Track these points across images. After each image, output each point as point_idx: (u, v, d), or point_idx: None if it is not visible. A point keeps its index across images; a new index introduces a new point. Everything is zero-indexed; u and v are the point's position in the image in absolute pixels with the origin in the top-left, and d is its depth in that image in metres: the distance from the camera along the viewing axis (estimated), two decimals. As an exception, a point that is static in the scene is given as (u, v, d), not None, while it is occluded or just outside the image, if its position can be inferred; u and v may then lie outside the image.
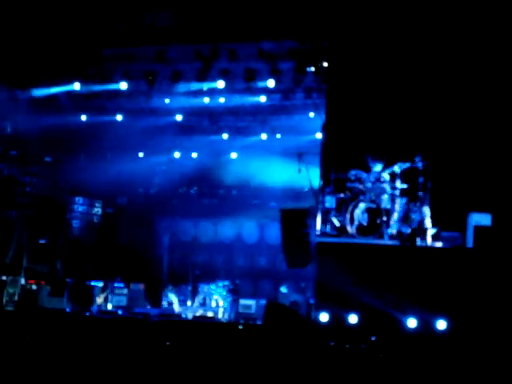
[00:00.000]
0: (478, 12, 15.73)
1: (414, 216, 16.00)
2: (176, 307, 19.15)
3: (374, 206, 16.31)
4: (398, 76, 16.34)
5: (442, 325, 14.44)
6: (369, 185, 16.37)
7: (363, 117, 16.48)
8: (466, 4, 15.83)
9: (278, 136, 21.25)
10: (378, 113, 16.41)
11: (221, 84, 18.70)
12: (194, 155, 22.27)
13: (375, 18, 16.41)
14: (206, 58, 18.49)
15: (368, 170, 16.40)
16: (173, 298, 19.25)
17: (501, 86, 15.77)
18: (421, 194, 16.08)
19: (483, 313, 14.38)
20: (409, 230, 15.91)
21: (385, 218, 16.12)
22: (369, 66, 16.49)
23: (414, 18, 16.15)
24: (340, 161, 16.57)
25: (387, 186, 16.32)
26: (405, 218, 16.16)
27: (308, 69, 18.03)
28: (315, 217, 16.86)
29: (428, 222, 15.92)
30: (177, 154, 22.40)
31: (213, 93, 19.46)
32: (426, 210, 15.97)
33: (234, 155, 22.08)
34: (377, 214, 16.23)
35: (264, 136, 21.33)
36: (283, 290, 19.04)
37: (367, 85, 16.50)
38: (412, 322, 14.63)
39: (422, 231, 15.80)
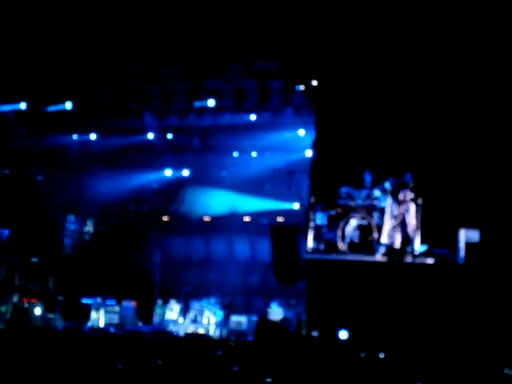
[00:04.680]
0: (462, 32, 15.94)
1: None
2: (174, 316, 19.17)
3: (365, 222, 16.46)
4: (386, 92, 16.51)
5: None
6: (360, 202, 16.53)
7: (352, 134, 16.65)
8: (452, 24, 16.04)
9: (268, 154, 21.37)
10: (367, 130, 16.59)
11: (211, 102, 18.86)
12: (185, 173, 22.36)
13: (362, 35, 16.60)
14: (197, 77, 18.68)
15: (359, 187, 16.57)
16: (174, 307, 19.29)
17: (488, 104, 15.95)
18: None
19: (474, 327, 14.51)
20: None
21: (376, 235, 16.27)
22: (357, 83, 16.67)
23: (401, 36, 16.35)
24: (331, 178, 16.73)
25: (378, 203, 16.47)
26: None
27: (297, 87, 18.22)
28: (305, 234, 17.01)
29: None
30: (168, 172, 22.47)
31: (203, 111, 19.62)
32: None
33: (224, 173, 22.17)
34: (368, 231, 16.38)
35: (254, 154, 21.44)
36: (274, 306, 19.12)
37: (355, 102, 16.68)
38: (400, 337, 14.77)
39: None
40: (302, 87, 18.19)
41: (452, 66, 16.10)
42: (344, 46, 16.75)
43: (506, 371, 13.41)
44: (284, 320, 18.05)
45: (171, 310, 19.25)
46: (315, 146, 17.43)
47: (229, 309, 18.96)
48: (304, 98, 18.44)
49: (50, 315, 18.66)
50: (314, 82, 17.83)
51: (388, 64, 16.42)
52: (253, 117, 19.88)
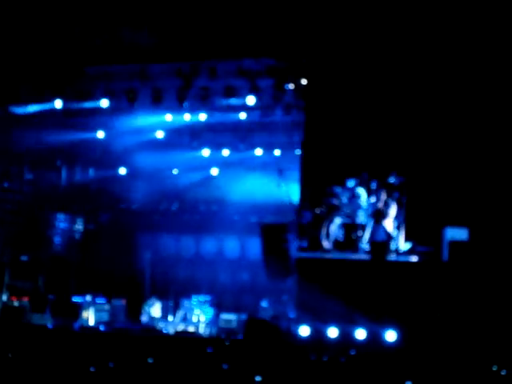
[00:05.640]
0: (455, 32, 15.99)
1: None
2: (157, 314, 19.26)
3: (349, 221, 16.57)
4: (374, 93, 16.60)
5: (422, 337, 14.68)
6: (344, 200, 16.63)
7: (340, 133, 16.74)
8: (444, 22, 16.08)
9: (258, 152, 21.43)
10: (355, 129, 16.66)
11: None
12: (175, 171, 22.39)
13: (352, 36, 16.67)
14: (187, 75, 18.74)
15: (344, 185, 16.66)
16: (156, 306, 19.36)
17: (474, 101, 16.04)
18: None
19: (458, 325, 14.61)
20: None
21: (360, 233, 16.38)
22: (346, 83, 16.75)
23: (390, 36, 16.41)
24: (318, 176, 16.81)
25: (363, 202, 16.56)
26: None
27: (287, 86, 18.29)
28: (294, 231, 17.09)
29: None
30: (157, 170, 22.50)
31: (193, 110, 19.69)
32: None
33: (214, 171, 22.22)
34: (352, 229, 16.50)
35: (244, 152, 21.45)
36: (264, 304, 19.18)
37: (344, 102, 16.76)
38: (391, 335, 14.84)
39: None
40: (291, 86, 18.25)
41: (438, 67, 16.19)
42: (334, 45, 16.81)
43: (493, 368, 13.52)
44: (273, 318, 18.11)
45: (153, 307, 19.32)
46: (304, 145, 17.50)
47: (217, 307, 19.01)
48: (294, 97, 18.50)
49: (40, 313, 18.65)
50: (304, 81, 17.89)
51: (377, 64, 16.49)
52: (242, 115, 19.94)
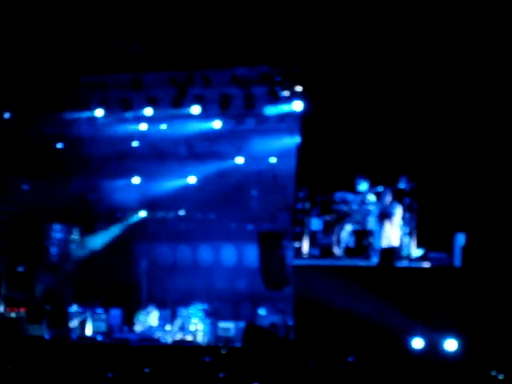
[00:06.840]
0: (460, 33, 15.78)
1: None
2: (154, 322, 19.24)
3: (360, 227, 16.44)
4: (377, 95, 16.37)
5: (418, 344, 14.58)
6: (355, 206, 16.50)
7: (342, 138, 16.57)
8: (446, 22, 15.89)
9: (253, 159, 21.40)
10: (358, 134, 16.44)
11: (195, 110, 19.00)
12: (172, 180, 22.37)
13: (348, 40, 16.57)
14: (181, 84, 18.76)
15: (354, 191, 16.52)
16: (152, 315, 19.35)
17: (485, 107, 15.77)
18: (407, 215, 16.22)
19: (471, 332, 14.44)
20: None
21: (371, 240, 16.24)
22: (343, 87, 16.62)
23: (389, 38, 16.25)
24: (323, 182, 16.63)
25: (373, 208, 16.43)
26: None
27: (281, 93, 18.29)
28: (292, 239, 17.01)
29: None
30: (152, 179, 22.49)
31: (188, 118, 19.70)
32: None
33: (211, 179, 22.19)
34: (363, 236, 16.34)
35: (239, 160, 21.40)
36: (262, 312, 19.15)
37: (343, 106, 16.62)
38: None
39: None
40: (286, 93, 18.24)
41: (448, 65, 15.80)
42: (329, 50, 16.72)
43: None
44: (271, 325, 18.08)
45: (148, 316, 19.31)
46: (300, 151, 17.41)
47: (214, 316, 18.99)
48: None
49: (36, 324, 18.61)
50: (299, 88, 17.87)
51: (375, 65, 16.27)
52: (237, 123, 19.94)
